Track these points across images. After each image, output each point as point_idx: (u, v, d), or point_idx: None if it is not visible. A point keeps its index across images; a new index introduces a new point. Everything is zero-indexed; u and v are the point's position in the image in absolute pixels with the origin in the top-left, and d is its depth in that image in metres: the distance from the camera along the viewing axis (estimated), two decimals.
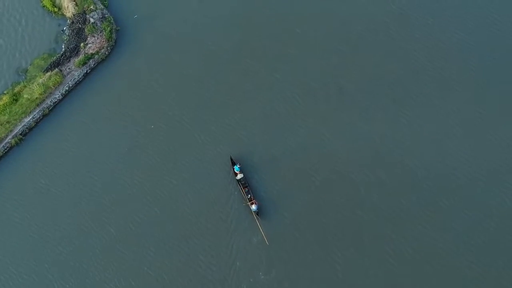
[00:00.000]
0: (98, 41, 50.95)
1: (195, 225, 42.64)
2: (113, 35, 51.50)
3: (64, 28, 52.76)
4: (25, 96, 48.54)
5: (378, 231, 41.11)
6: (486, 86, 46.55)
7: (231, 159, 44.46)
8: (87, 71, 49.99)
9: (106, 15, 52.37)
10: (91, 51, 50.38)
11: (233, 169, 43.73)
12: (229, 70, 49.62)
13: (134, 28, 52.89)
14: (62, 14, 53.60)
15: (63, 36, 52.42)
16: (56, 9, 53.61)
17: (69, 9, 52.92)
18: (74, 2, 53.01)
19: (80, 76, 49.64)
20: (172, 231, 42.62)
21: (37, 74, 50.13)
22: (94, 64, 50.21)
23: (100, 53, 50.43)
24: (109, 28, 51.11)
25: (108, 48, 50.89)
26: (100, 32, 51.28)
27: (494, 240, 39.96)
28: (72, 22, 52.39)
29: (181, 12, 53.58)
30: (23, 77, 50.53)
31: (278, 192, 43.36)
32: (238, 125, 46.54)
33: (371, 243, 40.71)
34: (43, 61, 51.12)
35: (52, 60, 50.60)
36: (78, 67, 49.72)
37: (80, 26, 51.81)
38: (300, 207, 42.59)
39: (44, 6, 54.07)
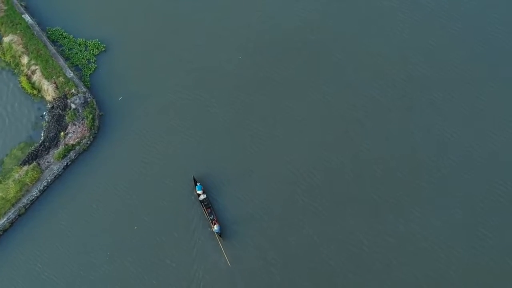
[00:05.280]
0: (79, 130, 47.33)
1: (157, 246, 42.33)
2: (96, 122, 47.92)
3: (44, 113, 49.11)
4: None
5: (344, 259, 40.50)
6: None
7: (194, 179, 43.94)
8: (67, 163, 46.38)
9: (89, 99, 48.77)
10: (71, 142, 46.77)
11: (196, 189, 43.29)
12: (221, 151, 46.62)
13: (119, 111, 49.19)
14: (42, 97, 50.02)
15: (42, 123, 48.78)
16: (35, 92, 50.03)
17: (49, 92, 49.36)
18: (55, 85, 49.42)
19: (59, 170, 46.02)
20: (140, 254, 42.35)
21: (13, 167, 46.49)
22: (75, 155, 46.60)
23: (81, 144, 46.85)
24: (91, 116, 47.50)
25: (91, 137, 47.31)
26: (82, 120, 47.66)
27: None
28: (52, 107, 48.77)
29: (171, 93, 49.89)
30: None
31: (242, 213, 42.90)
32: (201, 145, 46.47)
33: (337, 265, 40.26)
34: (20, 151, 47.47)
35: (29, 151, 46.93)
36: (58, 160, 46.07)
37: (60, 112, 48.16)
38: (264, 228, 42.11)
39: (22, 88, 50.50)
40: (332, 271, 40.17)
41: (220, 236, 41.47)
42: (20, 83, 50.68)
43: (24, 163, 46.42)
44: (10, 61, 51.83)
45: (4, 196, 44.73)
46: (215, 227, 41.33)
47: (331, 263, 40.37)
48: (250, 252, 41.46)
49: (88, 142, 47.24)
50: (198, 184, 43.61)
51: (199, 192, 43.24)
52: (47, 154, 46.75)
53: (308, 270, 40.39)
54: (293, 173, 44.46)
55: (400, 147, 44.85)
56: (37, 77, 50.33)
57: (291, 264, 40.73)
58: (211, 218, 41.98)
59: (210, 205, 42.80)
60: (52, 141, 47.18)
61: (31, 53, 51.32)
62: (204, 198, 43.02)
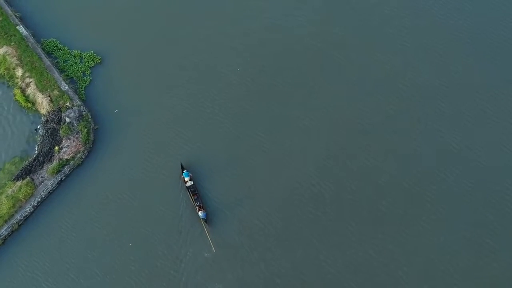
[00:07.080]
0: (74, 144, 46.53)
1: (144, 233, 43.07)
2: (91, 136, 47.10)
3: (38, 127, 48.26)
4: None
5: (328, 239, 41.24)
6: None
7: (181, 166, 44.74)
8: (61, 178, 45.57)
9: (84, 113, 47.96)
10: (66, 157, 45.96)
11: (183, 176, 43.95)
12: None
13: (114, 125, 48.48)
14: (36, 110, 49.19)
15: (36, 136, 47.94)
16: (29, 105, 49.20)
17: (44, 106, 48.54)
18: (49, 98, 48.61)
19: (53, 185, 45.22)
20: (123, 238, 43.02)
21: (6, 182, 45.73)
22: (69, 170, 45.78)
23: (76, 158, 46.05)
24: (86, 130, 46.71)
25: (85, 152, 46.48)
26: (77, 134, 46.85)
27: None
28: (47, 121, 47.94)
29: (168, 106, 49.04)
30: None
31: (228, 200, 43.63)
32: (190, 134, 47.12)
33: (320, 245, 41.09)
34: (14, 166, 46.66)
35: (23, 166, 46.11)
36: (52, 175, 45.24)
37: (54, 126, 47.34)
38: (250, 215, 42.77)
39: (16, 101, 49.67)
40: (328, 271, 40.25)
41: (206, 222, 42.19)
42: (14, 96, 49.87)
43: (17, 178, 45.63)
44: (4, 74, 50.97)
45: None
46: (201, 213, 42.07)
47: (320, 252, 40.94)
48: (235, 238, 42.07)
49: (83, 157, 46.44)
50: (185, 171, 44.10)
51: (186, 179, 43.80)
52: (41, 169, 45.94)
53: (291, 258, 40.91)
54: (289, 172, 44.48)
55: (405, 157, 44.21)
56: (31, 90, 49.53)
57: (277, 252, 41.23)
58: (197, 204, 42.61)
59: (196, 192, 43.57)
60: (46, 156, 46.37)
61: (26, 65, 50.55)
62: (191, 185, 43.67)
